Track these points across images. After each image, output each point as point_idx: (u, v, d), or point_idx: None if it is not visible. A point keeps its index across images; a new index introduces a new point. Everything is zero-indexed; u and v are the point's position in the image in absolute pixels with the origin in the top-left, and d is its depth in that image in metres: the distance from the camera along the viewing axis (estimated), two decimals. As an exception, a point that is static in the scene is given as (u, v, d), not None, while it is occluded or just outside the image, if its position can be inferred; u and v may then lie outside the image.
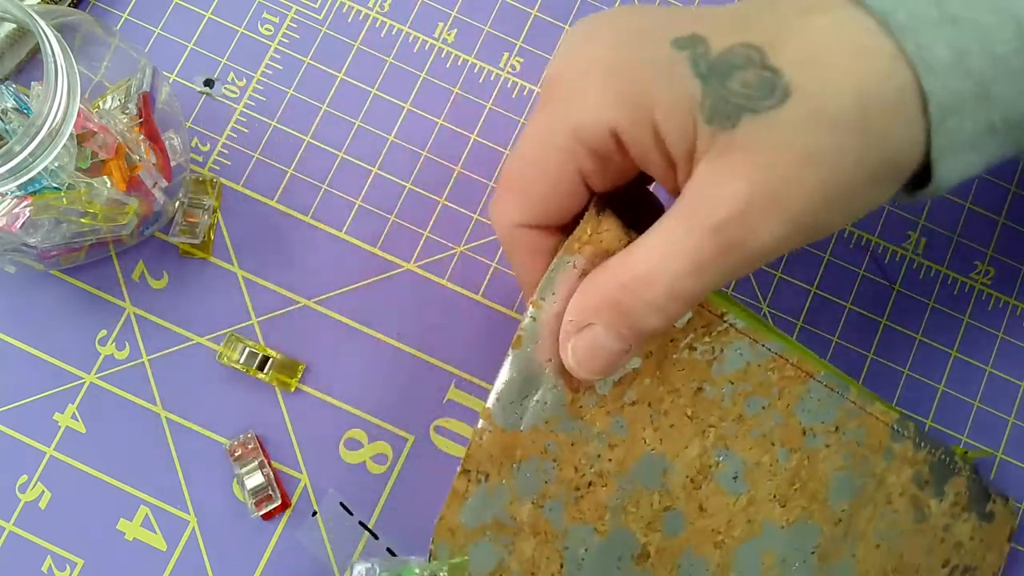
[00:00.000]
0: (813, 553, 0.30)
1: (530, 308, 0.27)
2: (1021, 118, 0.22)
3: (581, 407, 0.28)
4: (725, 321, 0.29)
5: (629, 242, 0.26)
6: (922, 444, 0.31)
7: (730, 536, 0.29)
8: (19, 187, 0.29)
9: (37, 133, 0.27)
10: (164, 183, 0.33)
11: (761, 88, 0.21)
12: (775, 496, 0.30)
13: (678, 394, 0.29)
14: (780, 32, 0.22)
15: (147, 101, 0.33)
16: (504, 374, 0.27)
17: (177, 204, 0.36)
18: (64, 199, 0.29)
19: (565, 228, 0.27)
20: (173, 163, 0.34)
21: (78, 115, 0.29)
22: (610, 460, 0.28)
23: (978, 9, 0.21)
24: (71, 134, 0.30)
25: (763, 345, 0.29)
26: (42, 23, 0.28)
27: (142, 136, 0.32)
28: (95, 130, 0.30)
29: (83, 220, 0.30)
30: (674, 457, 0.29)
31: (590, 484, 0.28)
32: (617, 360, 0.25)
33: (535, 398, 0.27)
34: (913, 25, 0.21)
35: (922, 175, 0.24)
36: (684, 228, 0.22)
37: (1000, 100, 0.22)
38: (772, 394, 0.29)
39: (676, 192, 0.24)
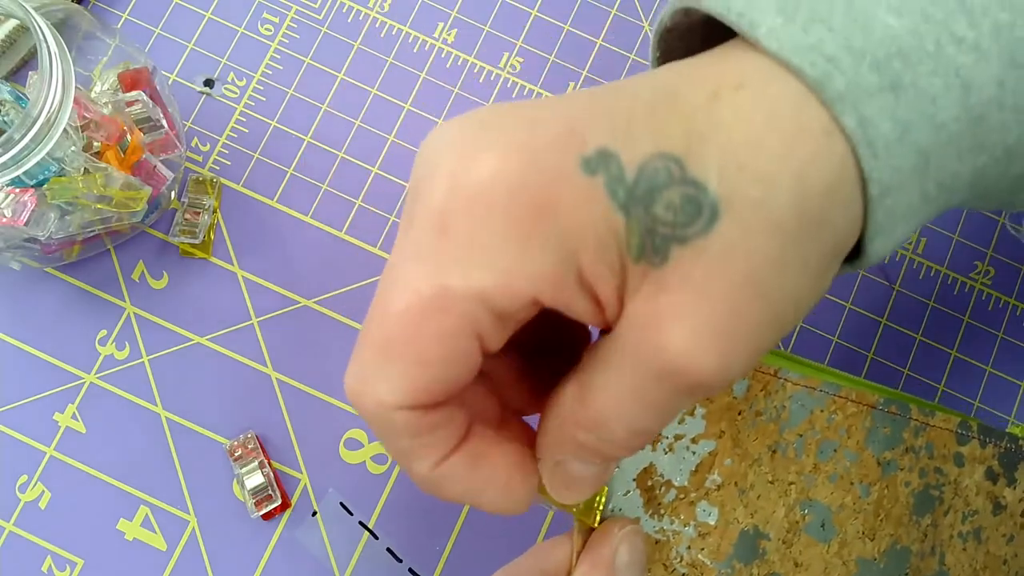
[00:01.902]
0: (907, 574, 0.30)
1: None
2: (953, 181, 0.21)
3: (660, 504, 0.28)
4: (779, 377, 0.29)
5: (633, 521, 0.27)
6: (987, 440, 0.32)
7: None
8: (26, 176, 0.29)
9: (35, 121, 0.27)
10: (176, 149, 0.34)
11: (687, 211, 0.18)
12: (863, 532, 0.30)
13: (758, 463, 0.29)
14: (696, 129, 0.19)
15: (145, 74, 0.34)
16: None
17: (174, 196, 0.36)
18: (80, 183, 0.30)
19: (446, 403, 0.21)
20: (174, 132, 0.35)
21: (78, 105, 0.29)
22: (703, 549, 0.28)
23: (921, 71, 0.19)
24: (75, 125, 0.30)
25: (820, 390, 0.29)
26: (34, 13, 0.28)
27: (151, 104, 0.33)
28: (94, 119, 0.30)
29: (98, 205, 0.30)
30: (765, 524, 0.29)
31: None
32: (602, 479, 0.23)
33: (608, 508, 0.27)
34: (853, 95, 0.19)
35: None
36: (628, 375, 0.20)
37: (937, 169, 0.20)
38: (840, 435, 0.30)
39: (604, 325, 0.21)
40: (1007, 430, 0.33)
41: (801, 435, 0.29)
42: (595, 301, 0.20)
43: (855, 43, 0.19)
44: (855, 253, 0.22)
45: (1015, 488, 0.32)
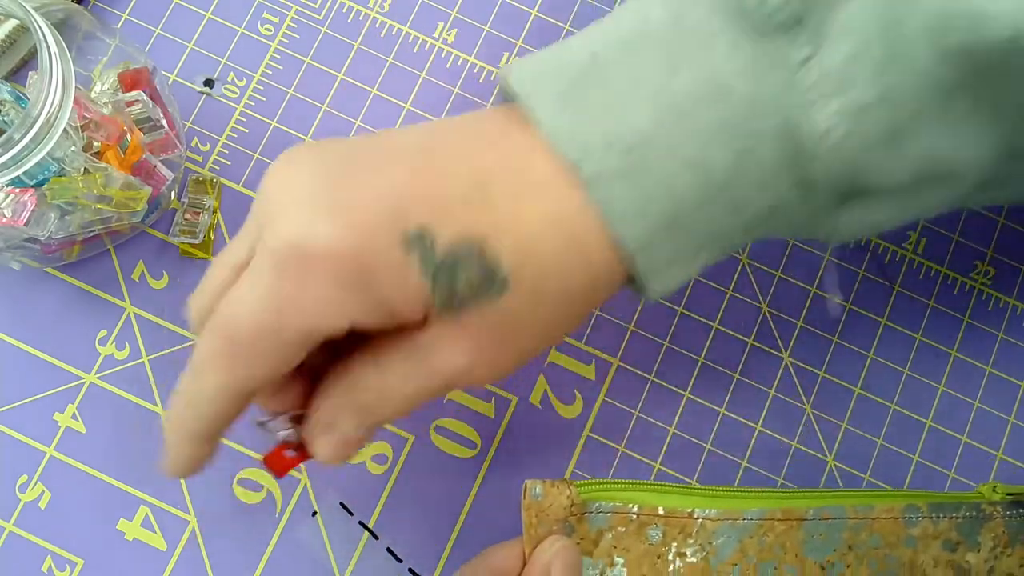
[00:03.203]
0: None
1: None
2: (719, 233, 0.25)
3: None
4: (696, 518, 0.30)
5: (572, 503, 0.29)
6: (940, 516, 0.31)
7: None
8: (27, 176, 0.29)
9: (35, 121, 0.27)
10: (176, 149, 0.34)
11: (483, 282, 0.24)
12: None
13: None
14: (498, 222, 0.24)
15: (145, 74, 0.33)
16: None
17: (174, 196, 0.36)
18: (80, 183, 0.30)
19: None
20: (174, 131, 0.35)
21: (78, 104, 0.29)
22: None
23: (658, 152, 0.24)
24: (76, 125, 0.30)
25: (744, 519, 0.30)
26: (34, 13, 0.28)
27: (151, 104, 0.33)
28: (94, 119, 0.30)
29: (98, 205, 0.30)
30: None
31: None
32: (359, 444, 0.27)
33: None
34: (599, 179, 0.24)
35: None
36: (416, 370, 0.25)
37: (691, 228, 0.25)
38: (777, 553, 0.30)
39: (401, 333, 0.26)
40: (976, 489, 0.33)
41: (736, 564, 0.30)
42: (402, 327, 0.25)
43: (609, 133, 0.24)
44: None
45: (980, 551, 0.31)
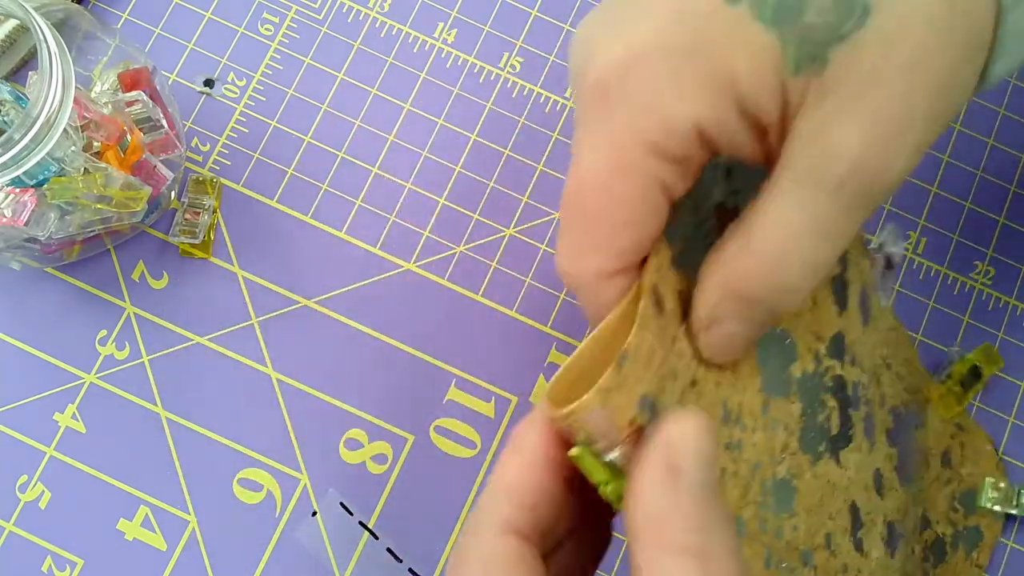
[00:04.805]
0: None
1: None
2: None
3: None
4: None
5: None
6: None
7: None
8: (27, 176, 0.29)
9: (35, 121, 0.27)
10: (176, 149, 0.34)
11: (839, 10, 0.18)
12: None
13: None
14: None
15: (145, 74, 0.34)
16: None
17: (174, 196, 0.36)
18: (80, 183, 0.30)
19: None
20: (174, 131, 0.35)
21: (78, 104, 0.29)
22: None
23: None
24: (76, 125, 0.30)
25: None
26: (34, 13, 0.28)
27: (151, 105, 0.33)
28: (94, 119, 0.30)
29: (98, 205, 0.30)
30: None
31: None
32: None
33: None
34: None
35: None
36: (801, 198, 0.19)
37: None
38: None
39: (766, 156, 0.21)
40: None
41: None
42: (758, 129, 0.20)
43: None
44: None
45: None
